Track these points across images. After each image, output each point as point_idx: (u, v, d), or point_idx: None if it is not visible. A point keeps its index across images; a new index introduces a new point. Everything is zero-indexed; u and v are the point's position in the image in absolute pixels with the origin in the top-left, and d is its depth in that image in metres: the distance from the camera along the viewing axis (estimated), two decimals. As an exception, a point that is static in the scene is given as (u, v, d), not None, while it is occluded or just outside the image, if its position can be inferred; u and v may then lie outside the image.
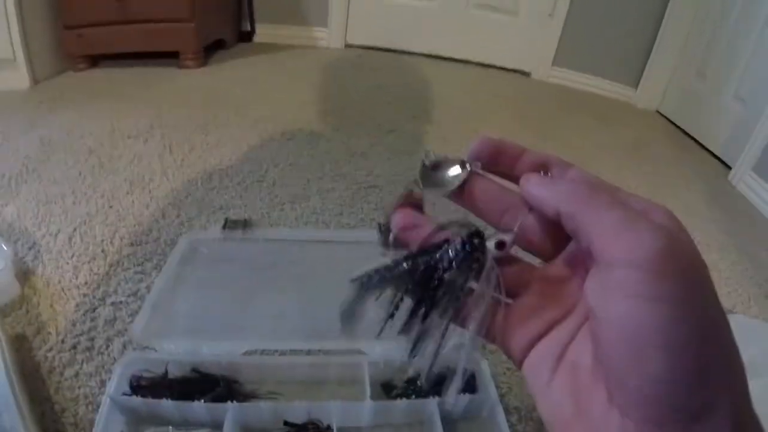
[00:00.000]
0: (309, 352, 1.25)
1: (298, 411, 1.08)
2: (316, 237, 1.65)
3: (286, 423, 1.08)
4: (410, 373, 1.19)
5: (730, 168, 2.52)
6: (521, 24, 3.62)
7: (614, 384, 0.32)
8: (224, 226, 1.61)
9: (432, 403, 1.09)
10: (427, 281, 0.41)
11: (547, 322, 0.38)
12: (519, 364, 0.40)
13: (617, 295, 0.31)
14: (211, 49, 3.44)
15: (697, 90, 2.96)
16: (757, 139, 2.36)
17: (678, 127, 3.04)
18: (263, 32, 3.90)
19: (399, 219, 0.44)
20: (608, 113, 3.15)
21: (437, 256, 0.41)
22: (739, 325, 1.34)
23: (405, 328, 0.43)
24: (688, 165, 2.54)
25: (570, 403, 0.35)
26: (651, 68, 3.28)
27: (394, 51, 3.91)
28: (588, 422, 0.34)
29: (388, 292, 0.43)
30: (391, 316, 0.44)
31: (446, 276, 0.40)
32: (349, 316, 0.45)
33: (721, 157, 2.64)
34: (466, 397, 1.12)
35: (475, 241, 0.40)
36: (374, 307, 0.44)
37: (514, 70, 3.77)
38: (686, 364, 0.30)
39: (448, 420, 1.09)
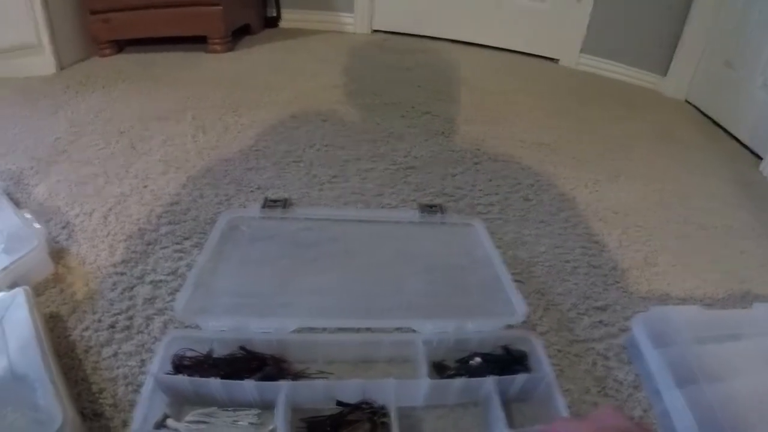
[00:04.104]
0: (358, 331, 1.22)
1: (352, 389, 1.04)
2: (357, 216, 1.61)
3: (339, 403, 1.04)
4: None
5: (760, 158, 2.45)
6: (549, 10, 3.57)
7: None
8: (264, 205, 1.58)
9: (490, 382, 1.05)
10: None
11: None
12: None
13: None
14: (237, 35, 3.42)
15: (724, 78, 2.90)
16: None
17: (706, 115, 2.97)
18: (289, 17, 3.88)
19: None
20: (637, 101, 3.09)
21: None
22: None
23: None
24: (718, 154, 2.48)
25: None
26: (679, 56, 3.22)
27: (421, 36, 3.86)
28: None
29: None
30: None
31: None
32: None
33: (750, 146, 2.57)
34: (522, 377, 1.08)
35: None
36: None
37: (542, 57, 3.72)
38: None
39: (503, 400, 1.05)
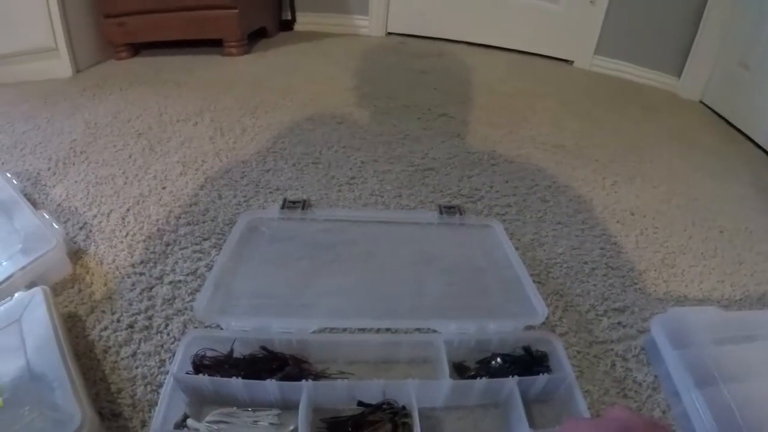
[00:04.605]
0: (378, 331, 1.21)
1: (373, 390, 1.04)
2: (377, 217, 1.61)
3: (360, 403, 1.03)
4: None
5: (775, 159, 2.44)
6: (563, 11, 3.55)
7: None
8: (283, 206, 1.58)
9: (511, 383, 1.05)
10: None
11: None
12: None
13: None
14: (253, 38, 3.42)
15: (740, 80, 2.88)
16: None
17: (722, 117, 2.96)
18: (304, 21, 3.88)
19: None
20: (652, 103, 3.08)
21: None
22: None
23: None
24: (734, 156, 2.47)
25: None
26: (694, 58, 3.20)
27: (435, 39, 3.86)
28: None
29: None
30: None
31: None
32: None
33: (766, 148, 2.56)
34: (544, 377, 1.07)
35: None
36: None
37: (556, 59, 3.71)
38: None
39: (522, 401, 1.04)
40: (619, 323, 1.36)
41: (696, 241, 1.74)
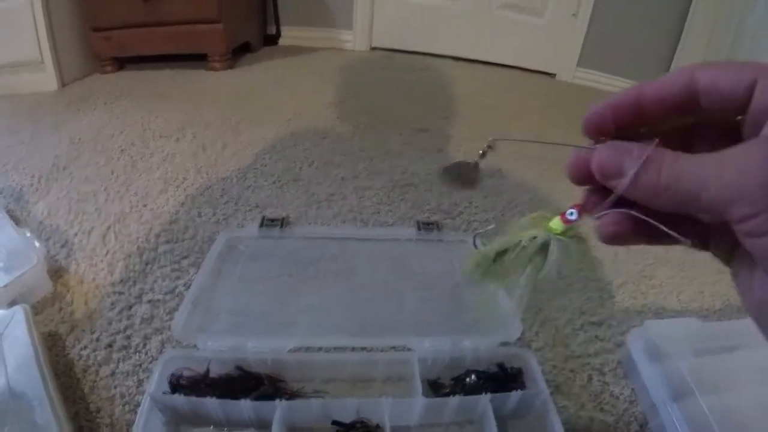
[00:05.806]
0: (353, 349, 1.22)
1: (348, 408, 1.04)
2: (355, 234, 1.62)
3: (334, 422, 1.04)
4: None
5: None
6: (545, 25, 3.58)
7: None
8: (261, 224, 1.58)
9: (484, 399, 1.05)
10: None
11: None
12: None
13: None
14: (237, 52, 3.42)
15: (722, 90, 2.91)
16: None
17: (705, 129, 2.98)
18: (288, 35, 3.90)
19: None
20: (636, 114, 3.10)
21: None
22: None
23: None
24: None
25: None
26: (676, 69, 3.22)
27: (420, 53, 3.88)
28: None
29: None
30: None
31: None
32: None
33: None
34: (517, 394, 1.08)
35: None
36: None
37: (539, 72, 3.73)
38: None
39: (497, 418, 1.05)
40: (596, 337, 1.37)
41: (675, 251, 1.74)
